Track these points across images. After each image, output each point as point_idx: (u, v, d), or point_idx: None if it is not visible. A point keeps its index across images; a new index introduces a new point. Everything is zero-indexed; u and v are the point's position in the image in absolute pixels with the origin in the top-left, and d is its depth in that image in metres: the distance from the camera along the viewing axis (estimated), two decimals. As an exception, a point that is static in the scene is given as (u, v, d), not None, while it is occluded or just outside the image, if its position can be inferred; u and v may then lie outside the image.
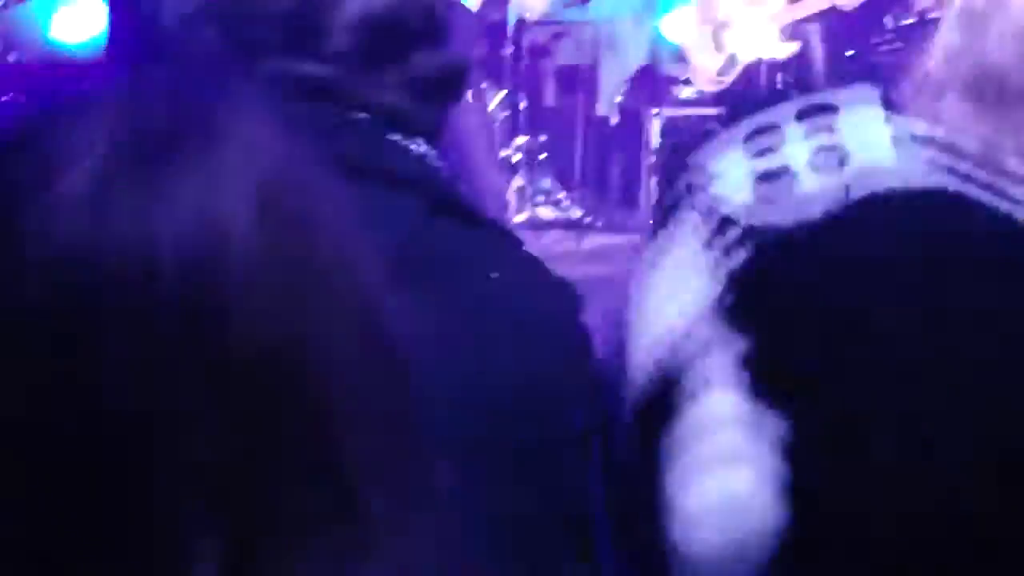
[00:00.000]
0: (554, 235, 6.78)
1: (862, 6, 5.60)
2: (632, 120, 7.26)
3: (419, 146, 1.06)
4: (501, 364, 1.02)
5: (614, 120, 7.45)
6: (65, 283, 0.58)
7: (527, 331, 1.04)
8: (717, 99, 5.83)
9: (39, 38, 5.57)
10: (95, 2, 4.80)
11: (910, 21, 6.07)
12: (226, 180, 0.61)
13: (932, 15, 5.79)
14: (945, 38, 1.14)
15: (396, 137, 1.06)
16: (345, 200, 0.68)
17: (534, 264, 1.11)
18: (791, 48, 5.49)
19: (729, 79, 5.77)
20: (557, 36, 7.38)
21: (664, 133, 6.92)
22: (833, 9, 5.55)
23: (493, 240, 1.10)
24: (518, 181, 6.75)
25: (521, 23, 6.43)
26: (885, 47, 6.23)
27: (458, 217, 1.06)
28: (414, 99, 1.07)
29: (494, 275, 1.05)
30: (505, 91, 6.32)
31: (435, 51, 1.08)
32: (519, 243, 1.13)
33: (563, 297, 1.10)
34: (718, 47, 5.75)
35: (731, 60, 5.71)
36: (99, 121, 0.63)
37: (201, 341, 0.58)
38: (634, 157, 7.19)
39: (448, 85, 1.11)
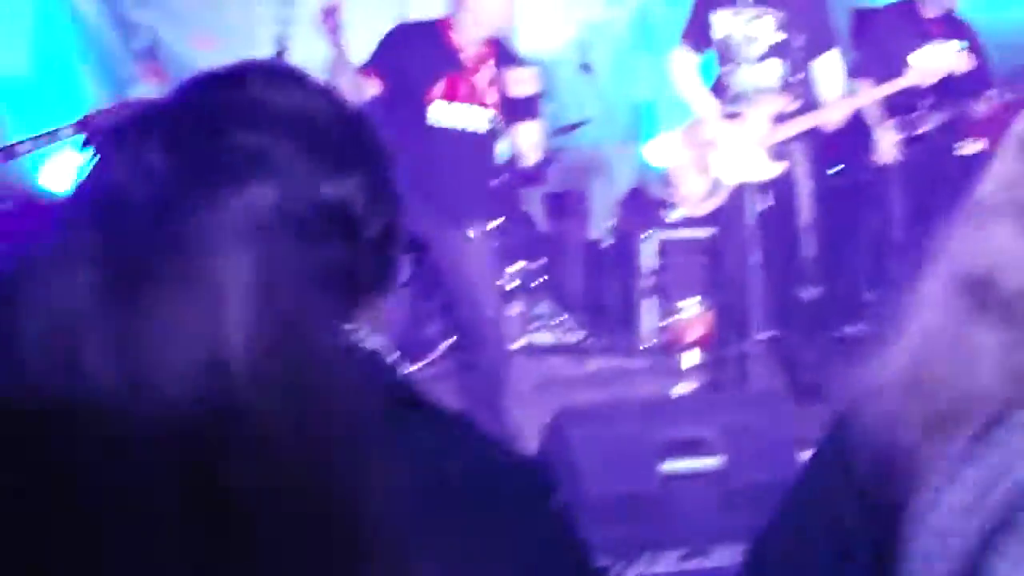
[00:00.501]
0: (554, 360, 6.69)
1: (847, 124, 5.66)
2: (625, 242, 7.24)
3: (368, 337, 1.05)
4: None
5: (607, 243, 7.43)
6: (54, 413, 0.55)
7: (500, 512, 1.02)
8: (707, 220, 5.82)
9: (29, 187, 5.65)
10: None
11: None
12: (217, 301, 0.59)
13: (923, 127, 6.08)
14: (1001, 166, 1.19)
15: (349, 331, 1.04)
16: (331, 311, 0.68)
17: (500, 447, 1.12)
18: (778, 168, 5.49)
19: (716, 202, 5.73)
20: (547, 163, 7.43)
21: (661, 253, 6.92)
22: (816, 129, 5.60)
23: (459, 428, 1.10)
24: (516, 308, 6.68)
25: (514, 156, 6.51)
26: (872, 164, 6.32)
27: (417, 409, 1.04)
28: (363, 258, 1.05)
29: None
30: (499, 220, 6.31)
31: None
32: (480, 432, 1.12)
33: (532, 478, 1.10)
34: (703, 170, 5.72)
35: (716, 183, 5.68)
36: (76, 259, 0.61)
37: (207, 472, 0.56)
38: (629, 279, 7.12)
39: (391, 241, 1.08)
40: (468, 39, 4.93)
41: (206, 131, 1.01)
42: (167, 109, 1.05)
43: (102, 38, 7.22)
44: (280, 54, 5.80)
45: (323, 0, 4.85)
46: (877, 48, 6.14)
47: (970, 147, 6.19)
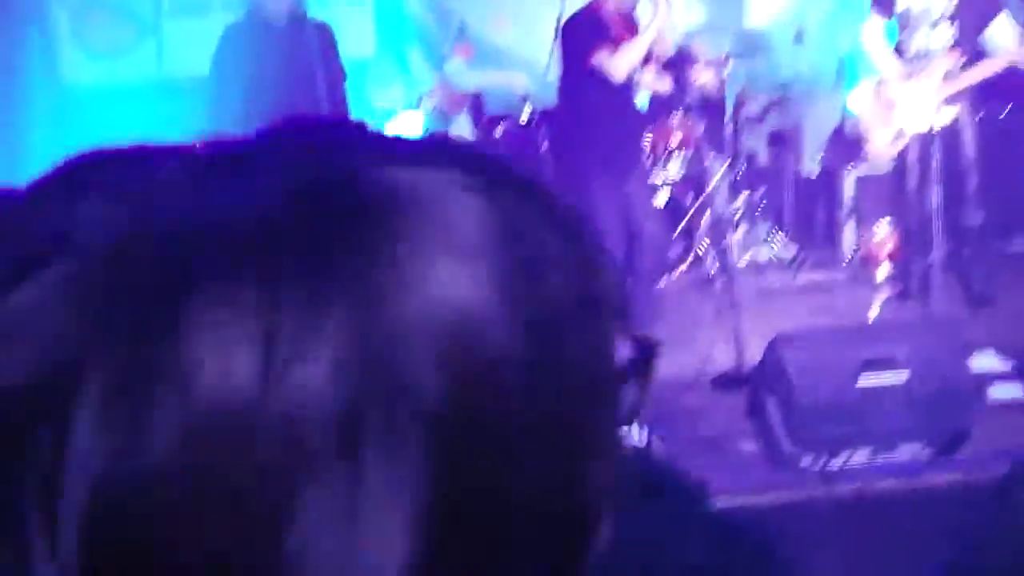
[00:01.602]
0: (773, 274, 7.36)
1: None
2: (830, 175, 7.99)
3: None
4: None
5: (816, 175, 8.16)
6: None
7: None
8: (895, 159, 6.51)
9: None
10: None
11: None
12: (451, 258, 0.47)
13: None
14: None
15: None
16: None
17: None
18: (949, 115, 6.00)
19: (899, 147, 6.28)
20: (768, 108, 8.42)
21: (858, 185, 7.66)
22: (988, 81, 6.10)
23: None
24: (741, 230, 7.36)
25: (740, 101, 7.17)
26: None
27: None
28: None
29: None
30: (729, 160, 7.14)
31: None
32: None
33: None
34: (888, 122, 6.26)
35: (899, 133, 6.24)
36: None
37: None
38: (833, 205, 7.94)
39: None
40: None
41: None
42: None
43: (425, 25, 8.56)
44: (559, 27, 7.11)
45: None
46: None
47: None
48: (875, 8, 6.37)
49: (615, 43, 5.86)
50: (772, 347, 4.61)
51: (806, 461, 4.44)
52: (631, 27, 6.06)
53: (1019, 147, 7.14)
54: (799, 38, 7.22)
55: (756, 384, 4.82)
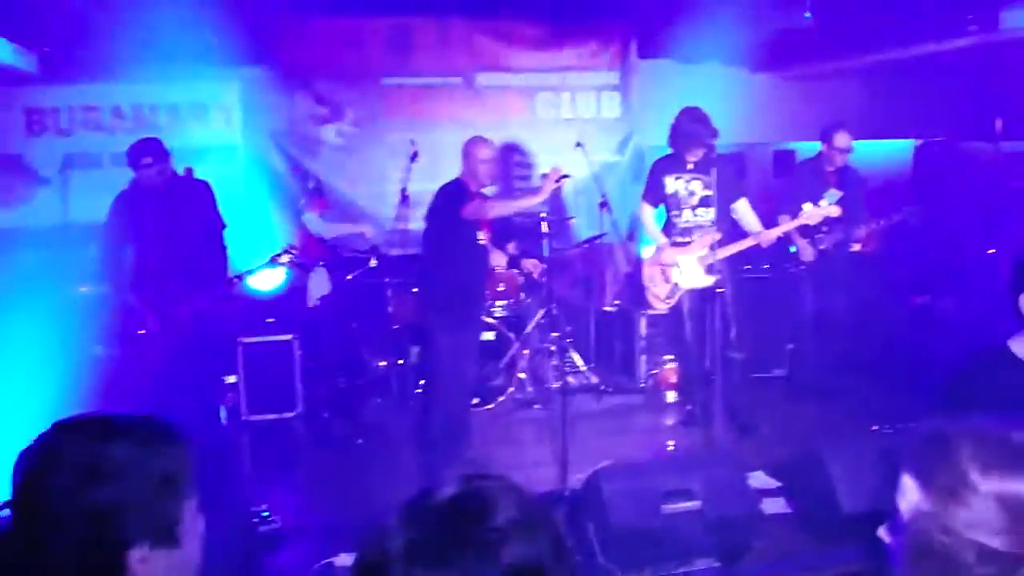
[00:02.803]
0: (581, 398, 8.08)
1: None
2: (627, 315, 8.79)
3: None
4: None
5: (615, 314, 8.93)
6: None
7: None
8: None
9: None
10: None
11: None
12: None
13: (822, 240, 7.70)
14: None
15: None
16: None
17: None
18: (712, 279, 6.76)
19: (673, 300, 7.20)
20: (573, 256, 9.33)
21: (648, 325, 8.49)
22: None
23: None
24: (554, 361, 8.02)
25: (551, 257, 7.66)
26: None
27: None
28: None
29: None
30: (544, 310, 7.88)
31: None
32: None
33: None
34: (666, 280, 7.20)
35: (674, 288, 7.17)
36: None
37: None
38: (630, 341, 8.71)
39: None
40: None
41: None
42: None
43: (286, 182, 9.26)
44: (403, 190, 7.90)
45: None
46: (792, 190, 7.69)
47: (855, 248, 8.01)
48: (646, 198, 7.41)
49: (474, 209, 6.53)
50: (592, 478, 5.00)
51: (617, 575, 4.80)
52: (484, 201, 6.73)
53: (768, 300, 8.45)
54: (605, 205, 7.94)
55: (577, 507, 5.22)
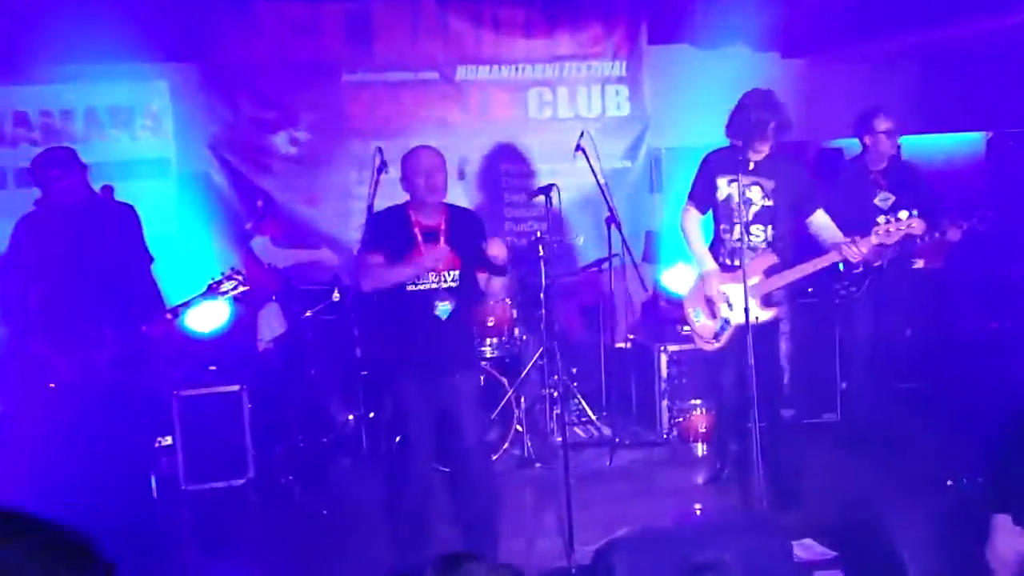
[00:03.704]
0: (590, 454, 8.10)
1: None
2: (645, 352, 8.74)
3: None
4: None
5: (628, 351, 8.96)
6: None
7: None
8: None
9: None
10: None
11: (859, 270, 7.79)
12: None
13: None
14: None
15: None
16: None
17: None
18: (769, 313, 6.74)
19: (722, 341, 6.93)
20: (577, 282, 9.29)
21: (669, 364, 8.42)
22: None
23: None
24: (557, 409, 7.99)
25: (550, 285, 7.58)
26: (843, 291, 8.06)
27: None
28: None
29: None
30: (544, 348, 7.71)
31: None
32: None
33: None
34: (713, 315, 6.96)
35: (724, 323, 6.92)
36: None
37: None
38: (648, 383, 8.65)
39: None
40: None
41: None
42: None
43: (228, 201, 9.23)
44: (370, 208, 7.79)
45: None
46: (833, 198, 7.29)
47: (917, 264, 8.02)
48: (692, 200, 7.02)
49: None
50: (604, 551, 4.87)
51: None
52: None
53: (815, 331, 8.37)
54: (614, 219, 7.94)
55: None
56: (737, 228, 6.81)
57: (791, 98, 9.71)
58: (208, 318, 7.57)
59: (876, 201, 7.65)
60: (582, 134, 8.04)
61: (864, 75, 10.36)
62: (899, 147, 8.06)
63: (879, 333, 8.02)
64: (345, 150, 9.46)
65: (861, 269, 7.83)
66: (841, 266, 7.83)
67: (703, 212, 7.05)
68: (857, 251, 6.60)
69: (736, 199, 6.79)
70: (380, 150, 7.70)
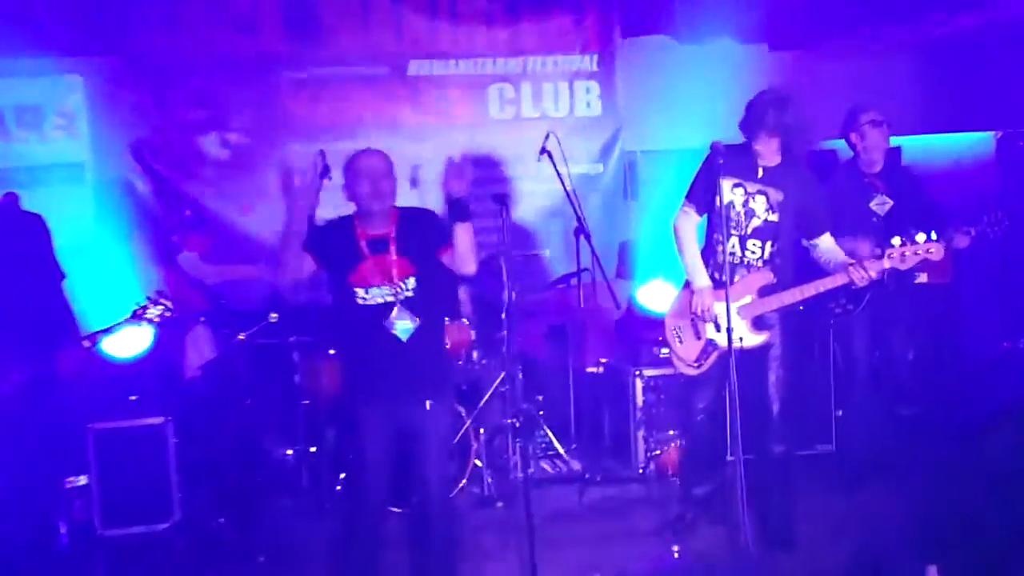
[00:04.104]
0: (557, 491, 8.03)
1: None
2: (618, 377, 8.68)
3: None
4: None
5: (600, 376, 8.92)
6: None
7: None
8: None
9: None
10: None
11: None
12: None
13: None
14: None
15: None
16: None
17: None
18: (760, 338, 6.69)
19: (706, 365, 6.83)
20: (544, 300, 9.25)
21: (646, 390, 8.37)
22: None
23: None
24: (519, 441, 7.70)
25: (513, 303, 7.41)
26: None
27: None
28: None
29: None
30: (505, 373, 7.73)
31: None
32: None
33: None
34: (697, 335, 6.87)
35: (707, 347, 6.82)
36: None
37: None
38: (621, 412, 8.61)
39: None
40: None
41: None
42: None
43: (151, 210, 9.15)
44: (311, 217, 7.76)
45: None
46: (836, 204, 7.26)
47: (920, 278, 7.89)
48: (691, 199, 6.84)
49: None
50: None
51: None
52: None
53: (807, 352, 8.38)
54: (583, 230, 7.92)
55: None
56: (733, 239, 6.74)
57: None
58: (129, 344, 7.47)
59: (872, 205, 7.71)
60: (548, 136, 7.99)
61: (861, 70, 10.37)
62: (898, 151, 8.10)
63: (879, 354, 7.96)
64: (284, 153, 9.40)
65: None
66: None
67: (702, 214, 6.90)
68: (865, 275, 6.52)
69: (738, 207, 6.73)
70: (322, 153, 7.62)
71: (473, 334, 8.39)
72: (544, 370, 9.05)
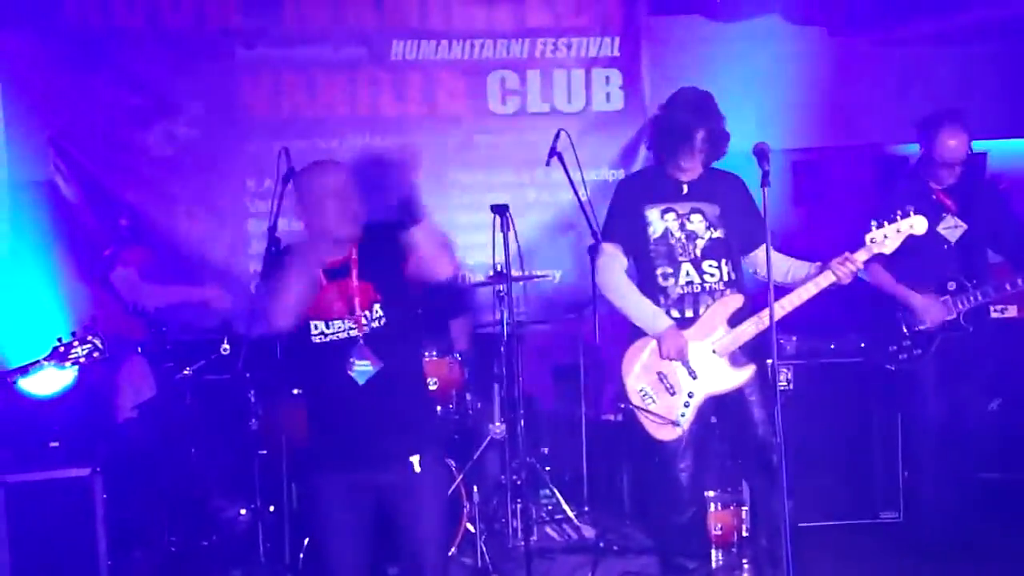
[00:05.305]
0: (563, 562, 8.05)
1: None
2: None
3: None
4: None
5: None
6: None
7: None
8: None
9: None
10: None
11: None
12: None
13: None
14: None
15: None
16: None
17: None
18: (744, 375, 6.80)
19: (687, 423, 6.90)
20: (551, 333, 9.38)
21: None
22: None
23: None
24: (520, 503, 8.01)
25: (514, 336, 7.88)
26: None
27: None
28: None
29: None
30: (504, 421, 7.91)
31: None
32: None
33: None
34: (670, 389, 6.95)
35: (687, 400, 6.90)
36: None
37: None
38: (645, 468, 8.20)
39: None
40: None
41: None
42: None
43: (79, 219, 9.28)
44: (272, 229, 7.82)
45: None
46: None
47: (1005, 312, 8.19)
48: (613, 240, 7.05)
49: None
50: None
51: None
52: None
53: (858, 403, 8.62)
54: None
55: None
56: (684, 268, 6.88)
57: (841, 87, 9.96)
58: (50, 381, 7.48)
59: (940, 229, 7.68)
60: (559, 135, 8.12)
61: (940, 60, 10.43)
62: (982, 157, 8.21)
63: (954, 407, 7.99)
64: (241, 150, 9.52)
65: (926, 325, 7.85)
66: (905, 328, 7.92)
67: (628, 254, 7.04)
68: (852, 269, 6.62)
69: (677, 234, 6.89)
70: (286, 151, 7.78)
71: (465, 372, 8.40)
72: (551, 418, 9.18)
